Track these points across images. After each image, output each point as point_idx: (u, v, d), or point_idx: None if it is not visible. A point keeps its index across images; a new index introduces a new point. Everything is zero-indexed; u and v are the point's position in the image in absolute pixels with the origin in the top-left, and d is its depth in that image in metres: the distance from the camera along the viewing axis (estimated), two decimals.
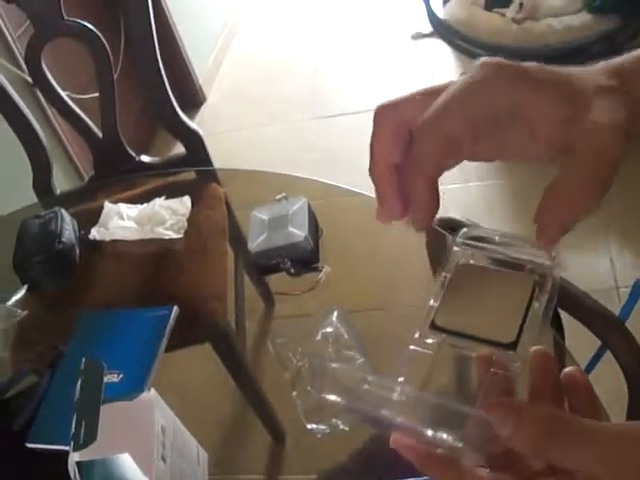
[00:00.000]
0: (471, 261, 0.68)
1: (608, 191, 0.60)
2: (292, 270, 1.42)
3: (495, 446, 0.60)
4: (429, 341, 0.62)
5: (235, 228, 1.86)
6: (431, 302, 0.66)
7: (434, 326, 0.64)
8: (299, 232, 1.45)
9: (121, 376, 1.21)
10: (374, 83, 4.18)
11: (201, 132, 2.21)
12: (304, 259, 1.43)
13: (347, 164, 3.39)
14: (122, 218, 1.66)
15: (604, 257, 2.87)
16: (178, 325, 1.39)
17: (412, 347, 0.64)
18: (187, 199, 1.70)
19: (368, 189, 1.53)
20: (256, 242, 1.49)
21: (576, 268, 2.73)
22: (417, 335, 0.63)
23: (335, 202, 1.63)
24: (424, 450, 0.63)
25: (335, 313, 1.17)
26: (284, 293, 1.46)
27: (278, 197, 1.58)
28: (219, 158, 2.22)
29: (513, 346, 0.62)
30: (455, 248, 0.69)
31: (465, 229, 0.70)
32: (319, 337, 1.10)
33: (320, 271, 1.42)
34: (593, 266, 2.81)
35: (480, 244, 0.69)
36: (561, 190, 0.61)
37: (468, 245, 0.69)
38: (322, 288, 1.40)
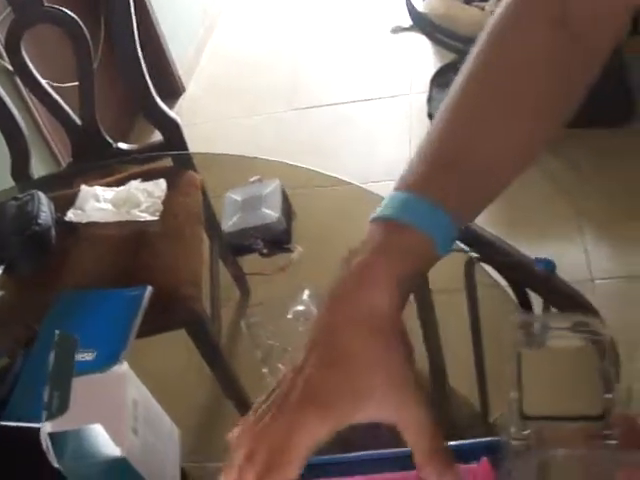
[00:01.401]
0: (529, 349, 0.69)
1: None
2: (264, 250, 1.43)
3: None
4: (525, 432, 0.61)
5: (210, 215, 1.87)
6: (511, 394, 0.65)
7: (525, 417, 0.64)
8: (272, 213, 1.47)
9: (95, 354, 1.22)
10: (353, 76, 4.19)
11: (179, 120, 2.21)
12: (276, 239, 1.45)
13: (325, 156, 3.42)
14: (98, 200, 1.67)
15: (579, 249, 2.89)
16: (153, 310, 1.40)
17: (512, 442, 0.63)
18: (162, 182, 1.71)
19: (343, 176, 1.54)
20: (230, 222, 1.51)
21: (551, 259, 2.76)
22: (513, 430, 0.62)
23: (309, 186, 1.64)
24: None
25: (306, 292, 1.18)
26: (256, 273, 1.47)
27: (252, 179, 1.59)
28: (197, 149, 2.23)
29: (602, 417, 0.62)
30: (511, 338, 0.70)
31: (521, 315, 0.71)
32: (290, 316, 1.11)
33: (292, 252, 1.43)
34: (568, 257, 2.83)
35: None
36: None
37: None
38: (294, 268, 1.41)
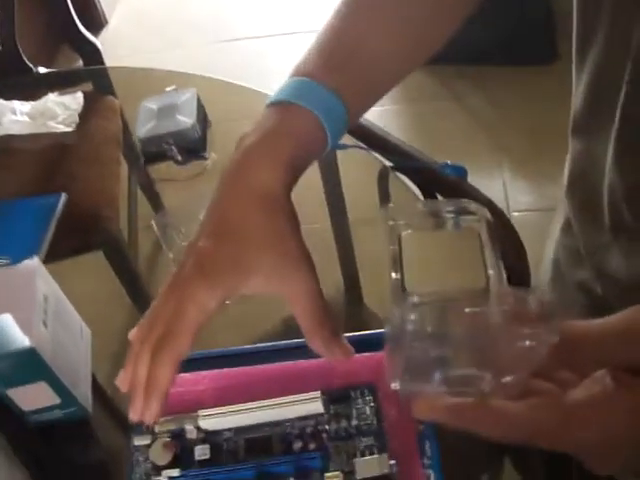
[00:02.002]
0: (409, 230, 0.70)
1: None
2: (179, 158, 1.43)
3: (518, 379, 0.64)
4: (412, 317, 0.60)
5: (130, 142, 1.86)
6: (393, 275, 0.66)
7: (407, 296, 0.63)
8: (187, 120, 1.46)
9: (8, 261, 1.22)
10: (277, 8, 4.17)
11: (98, 44, 2.20)
12: (191, 147, 1.45)
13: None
14: (15, 113, 1.65)
15: (497, 182, 2.94)
16: (69, 231, 1.39)
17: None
18: (80, 95, 1.70)
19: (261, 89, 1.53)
20: (144, 129, 1.50)
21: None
22: (396, 312, 0.62)
23: (224, 96, 1.64)
24: (452, 404, 0.66)
25: None
26: (170, 179, 1.47)
27: (168, 89, 1.58)
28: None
29: (485, 291, 0.64)
30: (390, 222, 0.71)
31: (390, 205, 0.72)
32: (202, 218, 1.12)
33: (206, 159, 1.44)
34: (486, 190, 2.87)
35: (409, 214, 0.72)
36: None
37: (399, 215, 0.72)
38: (208, 176, 1.42)
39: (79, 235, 1.51)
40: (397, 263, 0.67)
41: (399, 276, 0.66)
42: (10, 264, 1.18)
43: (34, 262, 0.99)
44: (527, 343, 0.59)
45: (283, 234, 0.73)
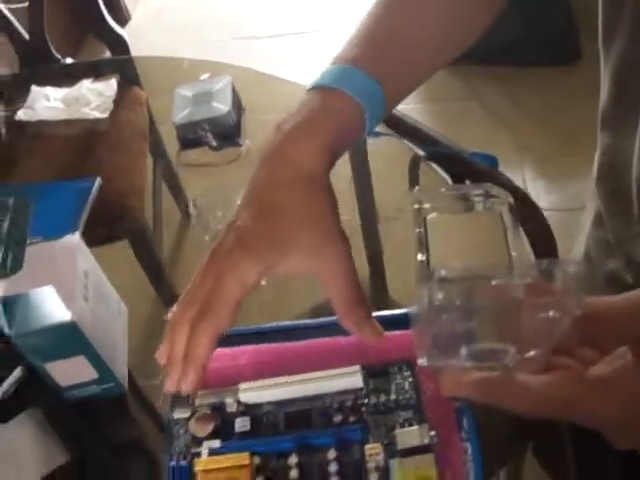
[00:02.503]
0: (435, 214, 0.71)
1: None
2: (214, 143, 1.44)
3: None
4: (438, 292, 0.61)
5: (156, 135, 1.88)
6: (419, 257, 0.67)
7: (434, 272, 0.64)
8: (222, 107, 1.48)
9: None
10: (297, 5, 4.19)
11: (126, 36, 2.21)
12: (226, 133, 1.46)
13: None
14: (49, 100, 1.66)
15: (518, 181, 2.94)
16: (96, 220, 1.40)
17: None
18: (113, 81, 1.71)
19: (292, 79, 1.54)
20: (180, 115, 1.51)
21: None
22: (422, 289, 0.63)
23: (258, 84, 1.65)
24: (478, 378, 0.67)
25: None
26: (206, 165, 1.48)
27: (202, 77, 1.60)
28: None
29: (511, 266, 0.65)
30: (415, 206, 0.72)
31: (417, 188, 0.73)
32: (240, 199, 1.14)
33: (241, 146, 1.45)
34: None
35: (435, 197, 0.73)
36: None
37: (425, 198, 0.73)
38: (242, 162, 1.43)
39: (107, 224, 1.52)
40: (423, 245, 0.68)
41: (425, 258, 0.67)
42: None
43: (75, 237, 1.00)
44: (550, 314, 0.61)
45: (323, 213, 0.74)
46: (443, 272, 0.62)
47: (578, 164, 2.89)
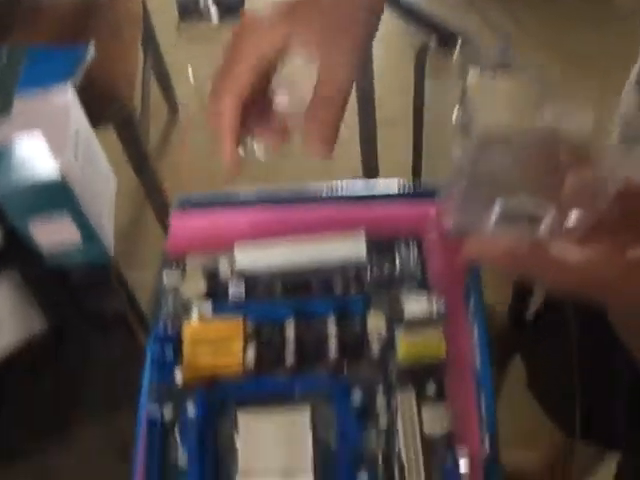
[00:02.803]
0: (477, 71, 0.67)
1: None
2: (216, 16, 1.39)
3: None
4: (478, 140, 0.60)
5: (149, 27, 1.85)
6: (457, 108, 0.64)
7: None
8: None
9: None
10: None
11: None
12: (230, 3, 1.40)
13: None
14: None
15: None
16: (85, 100, 1.37)
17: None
18: None
19: None
20: None
21: None
22: (461, 141, 0.61)
23: None
24: (508, 242, 0.62)
25: None
26: (206, 39, 1.44)
27: None
28: None
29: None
30: (461, 61, 0.69)
31: (466, 46, 0.70)
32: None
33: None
34: None
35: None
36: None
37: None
38: None
39: (97, 104, 1.48)
40: (464, 100, 0.64)
41: (467, 108, 0.63)
42: None
43: (69, 93, 0.95)
44: (597, 174, 0.57)
45: (358, 22, 0.69)
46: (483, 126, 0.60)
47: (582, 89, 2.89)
